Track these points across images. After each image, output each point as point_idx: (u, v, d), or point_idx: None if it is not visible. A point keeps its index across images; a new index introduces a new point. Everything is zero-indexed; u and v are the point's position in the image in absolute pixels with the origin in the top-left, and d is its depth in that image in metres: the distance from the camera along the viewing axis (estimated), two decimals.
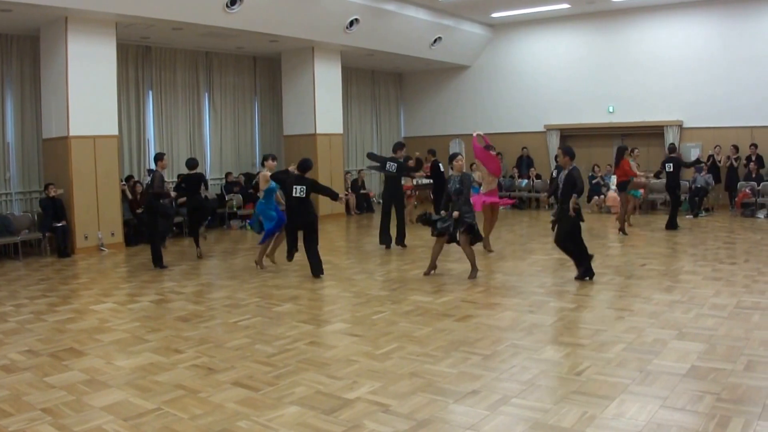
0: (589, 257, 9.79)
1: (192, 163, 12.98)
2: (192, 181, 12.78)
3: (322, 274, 10.42)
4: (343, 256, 12.58)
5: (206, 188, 13.67)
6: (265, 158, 11.59)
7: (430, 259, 10.43)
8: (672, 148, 15.32)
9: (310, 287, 9.83)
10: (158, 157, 12.28)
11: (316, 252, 10.40)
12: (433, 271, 10.43)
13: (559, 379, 5.64)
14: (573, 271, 10.44)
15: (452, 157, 10.19)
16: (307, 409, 5.13)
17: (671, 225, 14.71)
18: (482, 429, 4.70)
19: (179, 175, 14.59)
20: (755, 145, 17.59)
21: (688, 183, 17.76)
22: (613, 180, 18.74)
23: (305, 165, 10.43)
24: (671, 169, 14.73)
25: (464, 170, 10.18)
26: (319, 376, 5.87)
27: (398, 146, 13.27)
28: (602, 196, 18.81)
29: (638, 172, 14.86)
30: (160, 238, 12.21)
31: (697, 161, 16.27)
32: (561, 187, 9.66)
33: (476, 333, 7.18)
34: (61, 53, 13.09)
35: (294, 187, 10.20)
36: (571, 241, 9.72)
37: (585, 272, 9.72)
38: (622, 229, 14.34)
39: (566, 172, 9.65)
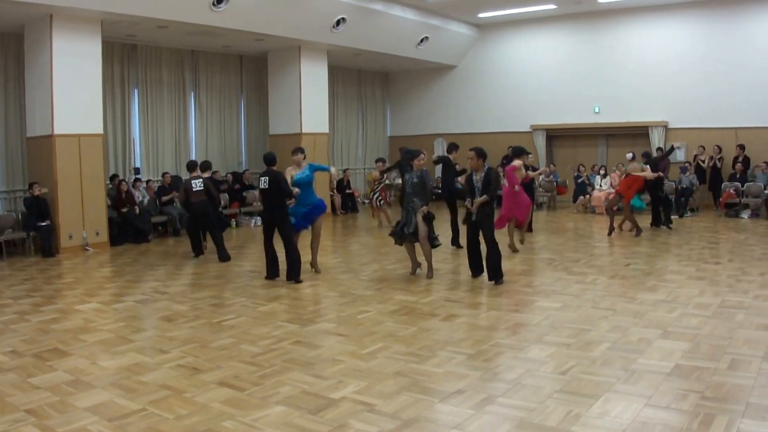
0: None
1: (205, 165, 13.08)
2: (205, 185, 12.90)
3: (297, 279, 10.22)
4: (329, 256, 12.55)
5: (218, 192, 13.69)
6: (293, 152, 10.94)
7: (410, 260, 10.48)
8: (646, 154, 15.15)
9: (295, 287, 9.81)
10: (191, 166, 12.72)
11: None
12: (418, 270, 10.45)
13: (544, 378, 5.65)
14: (561, 271, 10.51)
15: (414, 155, 10.13)
16: (293, 408, 5.12)
17: (661, 222, 14.61)
18: (468, 428, 4.71)
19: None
20: (742, 146, 17.70)
21: (674, 183, 17.85)
22: (597, 180, 18.85)
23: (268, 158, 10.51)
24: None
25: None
26: (305, 375, 5.86)
27: (453, 147, 13.23)
28: (588, 196, 18.88)
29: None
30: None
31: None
32: (481, 189, 9.61)
33: (461, 332, 7.20)
34: (45, 51, 13.01)
35: (260, 179, 10.22)
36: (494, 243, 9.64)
37: (497, 274, 9.63)
38: (614, 228, 14.32)
39: (482, 173, 9.66)
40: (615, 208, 14.37)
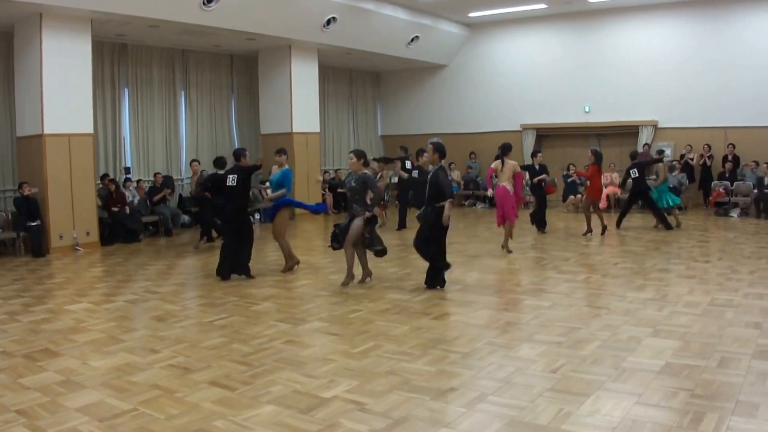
0: (446, 266, 9.32)
1: (222, 162, 13.24)
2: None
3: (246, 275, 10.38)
4: (319, 255, 12.56)
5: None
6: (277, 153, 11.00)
7: (347, 268, 9.81)
8: (634, 155, 15.14)
9: (286, 286, 9.82)
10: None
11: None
12: (351, 282, 9.72)
13: (535, 376, 5.66)
14: (550, 270, 10.54)
15: (360, 156, 9.63)
16: (284, 408, 5.12)
17: (668, 225, 14.69)
18: (458, 427, 4.72)
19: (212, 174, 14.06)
20: (732, 145, 17.78)
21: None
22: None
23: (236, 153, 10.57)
24: (636, 175, 14.65)
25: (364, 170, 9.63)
26: (296, 375, 5.86)
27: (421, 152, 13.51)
28: (579, 195, 18.89)
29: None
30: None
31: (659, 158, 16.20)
32: (427, 189, 9.04)
33: (453, 331, 7.21)
34: (35, 50, 12.96)
35: (228, 176, 10.24)
36: (434, 246, 9.17)
37: (434, 281, 9.33)
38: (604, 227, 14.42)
39: (432, 171, 9.10)
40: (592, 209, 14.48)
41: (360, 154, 9.67)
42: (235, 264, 10.32)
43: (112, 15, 13.38)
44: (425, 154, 11.08)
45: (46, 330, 7.62)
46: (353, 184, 9.47)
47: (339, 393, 5.40)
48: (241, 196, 10.36)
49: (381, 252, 9.59)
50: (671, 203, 15.17)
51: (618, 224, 14.93)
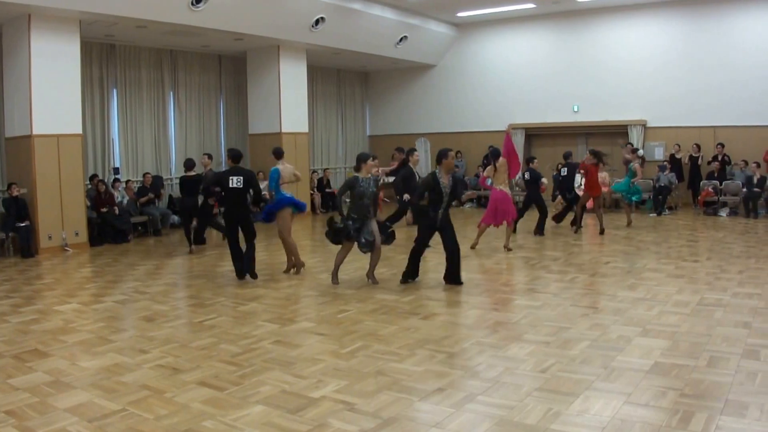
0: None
1: (189, 164, 13.28)
2: (191, 183, 13.23)
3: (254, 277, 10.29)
4: (308, 255, 12.53)
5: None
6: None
7: (335, 264, 9.87)
8: (567, 155, 15.61)
9: (274, 286, 9.79)
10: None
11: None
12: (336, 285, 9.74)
13: (524, 376, 5.68)
14: (541, 269, 10.56)
15: (361, 159, 9.51)
16: (273, 408, 5.12)
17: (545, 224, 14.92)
18: (447, 426, 4.72)
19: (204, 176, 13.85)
20: (721, 144, 17.86)
21: (651, 181, 17.97)
22: (577, 178, 18.92)
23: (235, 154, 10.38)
24: (566, 173, 15.36)
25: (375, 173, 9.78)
26: (285, 375, 5.86)
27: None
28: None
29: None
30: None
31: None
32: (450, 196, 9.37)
33: (442, 331, 7.21)
34: (24, 51, 12.90)
35: (231, 178, 9.99)
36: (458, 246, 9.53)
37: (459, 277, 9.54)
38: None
39: (451, 176, 9.41)
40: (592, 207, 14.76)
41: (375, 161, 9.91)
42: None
43: (100, 16, 13.32)
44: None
45: (35, 330, 7.59)
46: (372, 189, 9.48)
47: (328, 393, 5.40)
48: (245, 197, 10.23)
49: (389, 239, 9.89)
50: (629, 200, 16.24)
51: (557, 220, 15.53)
